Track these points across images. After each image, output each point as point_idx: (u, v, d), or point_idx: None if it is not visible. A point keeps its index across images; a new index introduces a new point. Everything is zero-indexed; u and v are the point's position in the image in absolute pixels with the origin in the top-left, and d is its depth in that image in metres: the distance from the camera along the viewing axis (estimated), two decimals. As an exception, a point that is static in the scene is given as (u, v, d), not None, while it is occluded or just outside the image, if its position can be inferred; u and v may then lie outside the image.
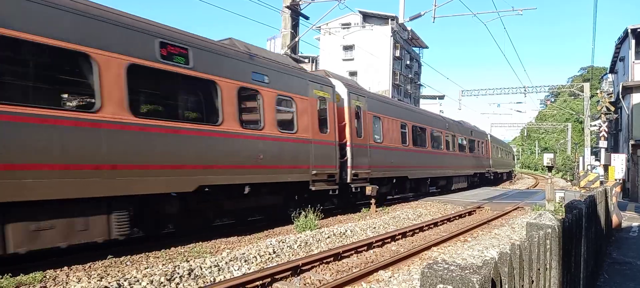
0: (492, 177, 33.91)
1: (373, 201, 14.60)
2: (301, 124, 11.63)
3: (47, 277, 6.28)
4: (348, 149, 13.66)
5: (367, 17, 61.20)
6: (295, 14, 17.53)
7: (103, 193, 7.08)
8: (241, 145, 9.73)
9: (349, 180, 13.59)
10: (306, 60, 60.34)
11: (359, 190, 14.17)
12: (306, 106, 11.85)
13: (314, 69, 60.84)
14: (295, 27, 17.58)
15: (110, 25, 7.32)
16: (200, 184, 8.70)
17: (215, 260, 7.11)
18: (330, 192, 12.97)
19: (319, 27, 53.59)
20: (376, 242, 9.43)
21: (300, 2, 17.50)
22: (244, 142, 9.81)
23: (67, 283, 6.03)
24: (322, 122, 12.56)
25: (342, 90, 14.02)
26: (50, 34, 6.47)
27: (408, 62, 67.63)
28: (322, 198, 13.16)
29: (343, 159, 13.47)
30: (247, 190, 10.08)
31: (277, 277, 6.61)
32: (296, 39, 17.49)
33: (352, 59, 59.94)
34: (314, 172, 11.95)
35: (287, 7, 17.19)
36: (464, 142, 26.75)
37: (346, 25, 59.72)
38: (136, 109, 7.68)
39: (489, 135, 33.98)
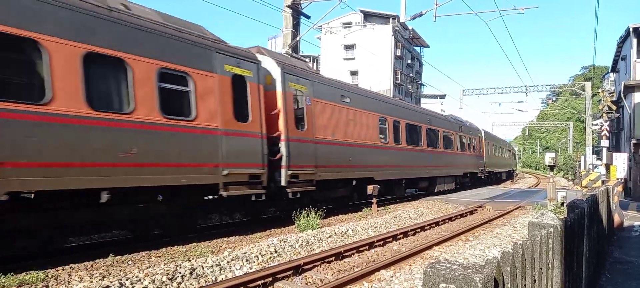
0: (512, 173, 46.94)
1: (374, 200, 14.60)
2: (474, 148, 25.34)
3: (49, 276, 6.30)
4: (484, 158, 28.68)
5: (368, 16, 61.10)
6: (297, 13, 17.52)
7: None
8: (458, 158, 23.21)
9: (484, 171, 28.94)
10: (307, 60, 60.30)
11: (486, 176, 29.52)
12: (473, 139, 24.91)
13: (316, 69, 60.76)
14: (296, 26, 17.57)
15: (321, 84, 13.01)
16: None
17: (217, 260, 7.12)
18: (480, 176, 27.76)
19: (320, 26, 53.54)
20: (378, 241, 9.42)
21: (301, 2, 17.49)
22: (458, 157, 23.15)
23: (69, 282, 6.04)
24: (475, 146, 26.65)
25: (482, 132, 29.07)
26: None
27: (409, 61, 67.54)
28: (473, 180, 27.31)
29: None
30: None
31: (278, 276, 6.61)
32: (297, 39, 17.49)
33: (353, 58, 59.88)
34: (480, 168, 26.53)
35: (289, 6, 17.18)
36: (507, 151, 42.60)
37: (347, 25, 59.61)
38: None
39: (513, 146, 52.81)
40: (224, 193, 9.17)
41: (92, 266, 6.97)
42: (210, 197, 9.86)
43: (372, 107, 15.44)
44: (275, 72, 11.29)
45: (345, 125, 13.68)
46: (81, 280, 6.06)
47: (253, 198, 10.00)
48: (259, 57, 10.79)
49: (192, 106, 8.57)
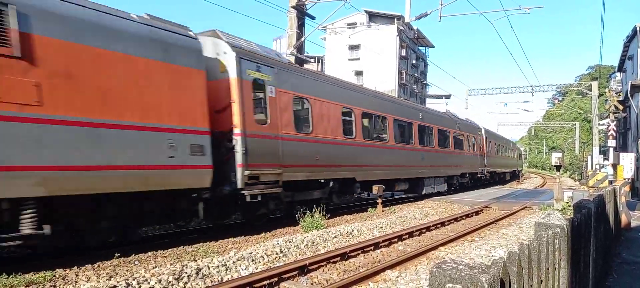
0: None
1: (379, 201, 14.59)
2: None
3: (57, 276, 6.35)
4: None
5: (372, 16, 61.09)
6: (301, 14, 17.55)
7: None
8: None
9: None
10: (312, 60, 60.32)
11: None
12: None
13: (321, 70, 60.82)
14: (301, 27, 17.60)
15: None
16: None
17: (223, 260, 7.15)
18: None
19: (325, 27, 53.53)
20: (383, 241, 9.41)
21: (306, 2, 17.52)
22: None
23: (76, 282, 6.09)
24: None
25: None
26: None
27: (414, 62, 67.43)
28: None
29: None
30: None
31: (284, 276, 6.63)
32: (302, 39, 17.53)
33: (358, 59, 59.89)
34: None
35: (293, 7, 17.21)
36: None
37: (352, 25, 59.61)
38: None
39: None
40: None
41: (98, 266, 7.02)
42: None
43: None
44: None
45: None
46: (88, 280, 6.11)
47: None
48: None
49: None
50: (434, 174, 19.85)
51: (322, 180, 12.49)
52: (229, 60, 9.65)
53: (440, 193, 20.42)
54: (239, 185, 9.45)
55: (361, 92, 15.74)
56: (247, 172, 9.54)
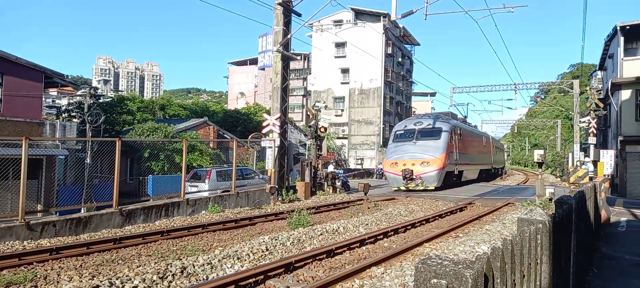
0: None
1: (365, 198, 14.64)
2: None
3: (38, 276, 6.23)
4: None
5: (359, 14, 61.16)
6: (288, 11, 17.49)
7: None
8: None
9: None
10: (298, 58, 60.24)
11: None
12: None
13: (306, 66, 60.58)
14: (287, 24, 17.53)
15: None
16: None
17: (208, 258, 7.10)
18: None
19: (311, 24, 53.37)
20: (368, 238, 9.46)
21: (292, -1, 17.46)
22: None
23: (58, 282, 5.98)
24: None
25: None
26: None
27: (400, 59, 67.72)
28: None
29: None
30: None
31: (270, 274, 6.61)
32: (288, 36, 17.47)
33: (344, 56, 59.88)
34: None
35: (280, 4, 17.14)
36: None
37: (338, 23, 59.65)
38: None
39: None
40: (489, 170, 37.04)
41: (81, 266, 6.91)
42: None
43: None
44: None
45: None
46: (70, 280, 6.01)
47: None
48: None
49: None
50: (499, 167, 42.53)
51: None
52: (489, 136, 40.48)
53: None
54: (490, 168, 37.71)
55: (492, 140, 40.41)
56: (494, 165, 39.90)
